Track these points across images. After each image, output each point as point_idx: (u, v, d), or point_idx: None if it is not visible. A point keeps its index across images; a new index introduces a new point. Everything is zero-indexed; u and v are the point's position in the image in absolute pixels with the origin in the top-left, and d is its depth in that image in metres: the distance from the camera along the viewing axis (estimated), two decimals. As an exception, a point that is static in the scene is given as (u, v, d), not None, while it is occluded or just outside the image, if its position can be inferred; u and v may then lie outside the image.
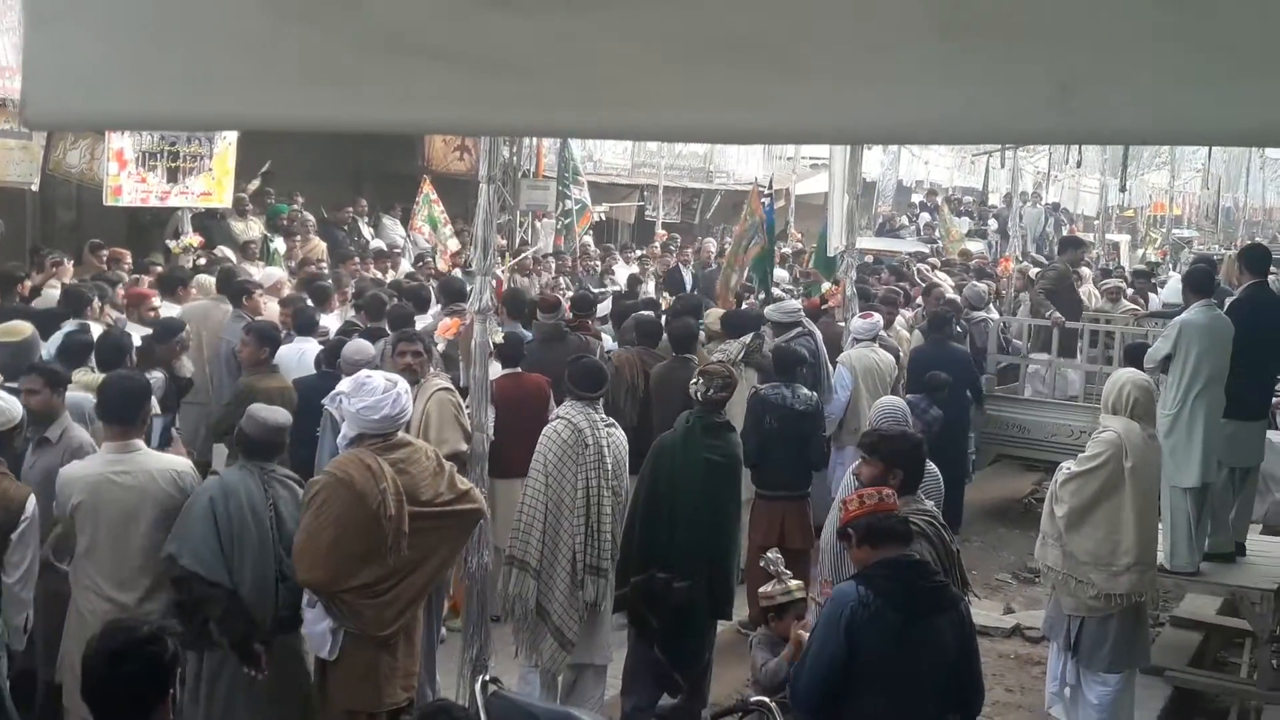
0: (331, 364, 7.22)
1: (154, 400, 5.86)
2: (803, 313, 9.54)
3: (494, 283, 6.33)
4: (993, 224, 24.82)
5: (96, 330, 7.32)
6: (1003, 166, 23.21)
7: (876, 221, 24.84)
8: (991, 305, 13.35)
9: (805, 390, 8.01)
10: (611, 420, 6.41)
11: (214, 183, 11.93)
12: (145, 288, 9.14)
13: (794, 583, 5.31)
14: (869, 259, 16.23)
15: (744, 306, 10.93)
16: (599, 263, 16.44)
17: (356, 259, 12.49)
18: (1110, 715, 6.16)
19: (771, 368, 8.43)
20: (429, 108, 1.49)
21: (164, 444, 6.64)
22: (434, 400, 6.61)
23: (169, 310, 8.58)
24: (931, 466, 6.52)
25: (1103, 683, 6.15)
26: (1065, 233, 26.38)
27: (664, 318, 9.76)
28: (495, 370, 7.00)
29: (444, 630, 6.86)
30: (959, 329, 11.20)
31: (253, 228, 13.17)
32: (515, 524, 6.12)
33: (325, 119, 1.52)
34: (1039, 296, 12.84)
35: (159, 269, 10.46)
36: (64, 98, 1.55)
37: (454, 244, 14.83)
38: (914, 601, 4.14)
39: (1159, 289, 16.66)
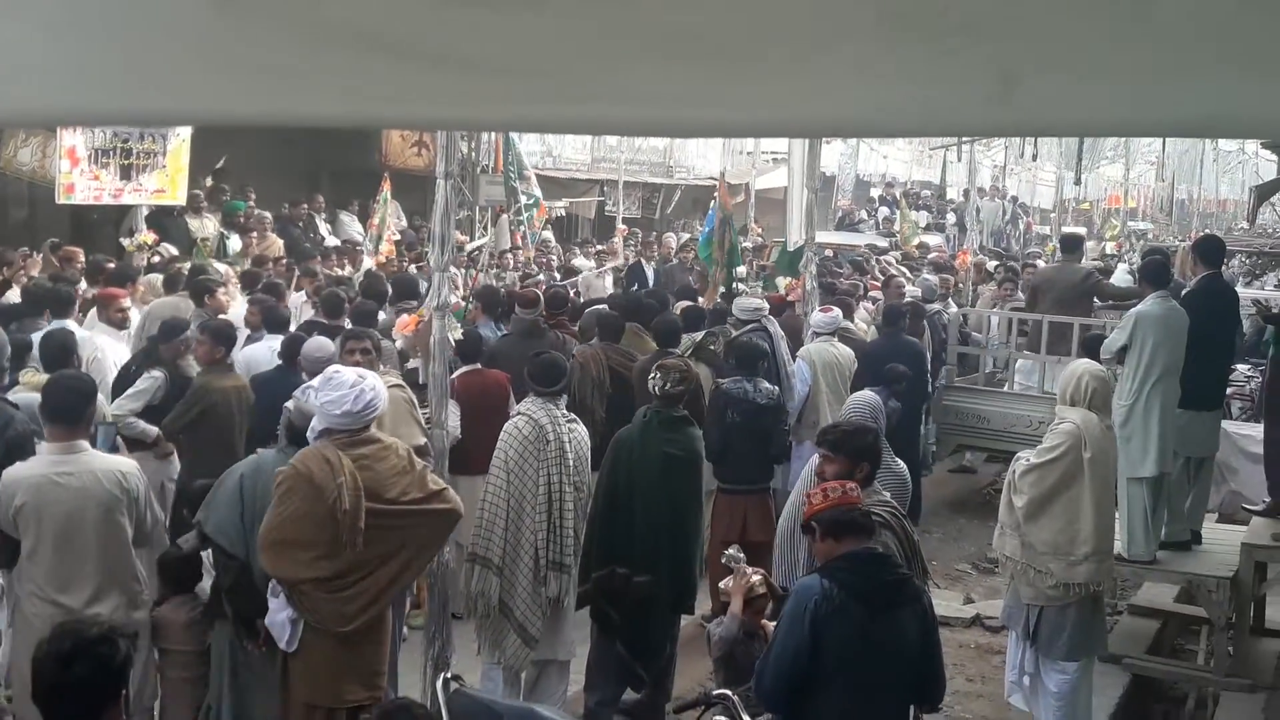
0: (289, 360, 7.17)
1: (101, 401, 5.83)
2: (766, 309, 9.53)
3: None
4: (951, 218, 24.99)
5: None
6: (959, 160, 23.38)
7: (836, 215, 24.98)
8: (950, 299, 13.41)
9: (767, 384, 8.02)
10: (573, 416, 6.39)
11: (168, 180, 11.80)
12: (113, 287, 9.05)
13: (755, 577, 5.32)
14: (828, 253, 16.30)
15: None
16: (557, 258, 16.39)
17: (318, 257, 12.41)
18: (1069, 703, 6.21)
19: (723, 364, 8.43)
20: (381, 103, 1.47)
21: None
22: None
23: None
24: (901, 465, 6.57)
25: (1061, 671, 6.19)
26: (1023, 227, 26.63)
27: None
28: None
29: (405, 629, 6.82)
30: (921, 325, 11.22)
31: (208, 224, 13.03)
32: (477, 521, 6.09)
33: (273, 114, 1.50)
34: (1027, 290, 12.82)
35: (111, 266, 10.34)
36: (3, 92, 1.52)
37: (385, 248, 14.68)
38: (877, 595, 4.16)
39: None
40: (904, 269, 15.90)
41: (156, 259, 11.20)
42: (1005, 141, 24.15)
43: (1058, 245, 14.15)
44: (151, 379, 7.13)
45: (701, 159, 22.67)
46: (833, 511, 4.30)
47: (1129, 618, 8.43)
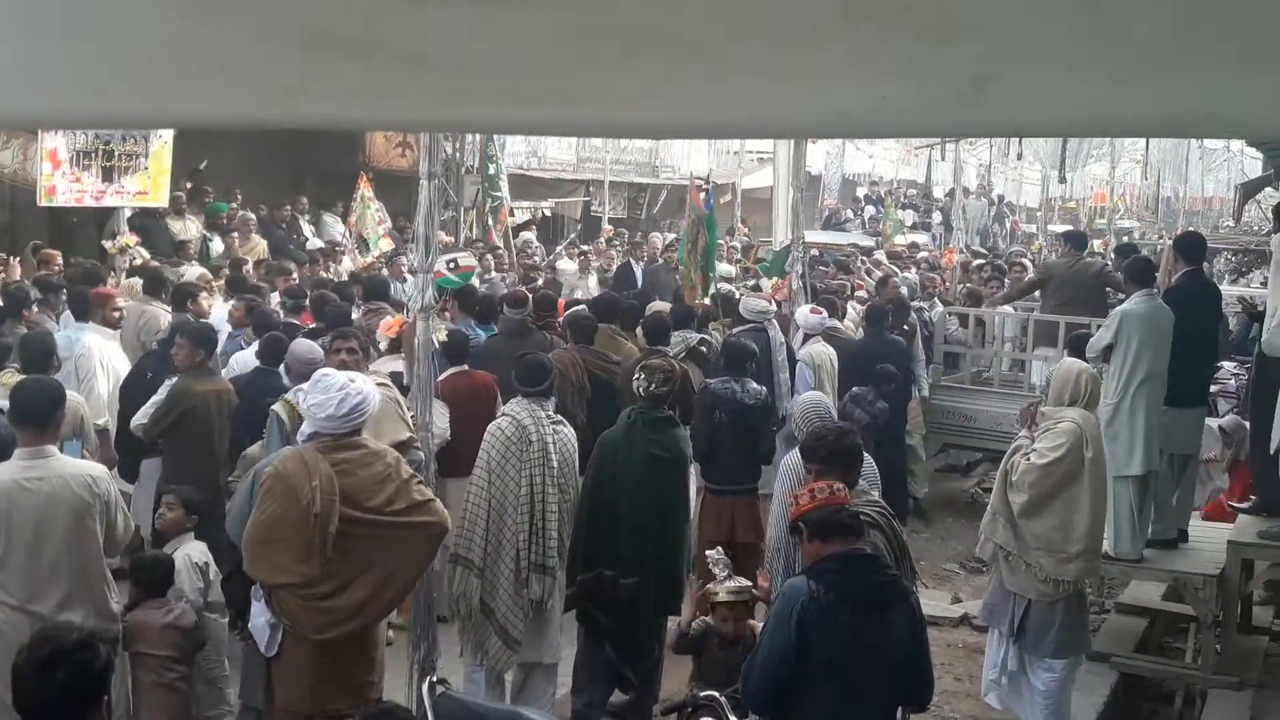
0: (269, 361, 7.14)
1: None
2: (772, 313, 9.49)
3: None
4: (937, 217, 25.05)
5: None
6: (944, 159, 23.42)
7: (822, 215, 25.01)
8: (936, 298, 13.40)
9: (755, 384, 8.01)
10: (559, 418, 6.36)
11: (150, 181, 11.75)
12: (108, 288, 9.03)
13: (734, 582, 5.26)
14: (814, 252, 16.30)
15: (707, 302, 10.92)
16: (539, 258, 16.36)
17: (307, 262, 12.37)
18: (1056, 701, 6.20)
19: (709, 366, 8.42)
20: (351, 103, 1.45)
21: None
22: None
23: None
24: (866, 455, 6.55)
25: (1049, 669, 6.18)
26: (1009, 225, 26.70)
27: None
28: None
29: (390, 632, 6.77)
30: (911, 323, 11.20)
31: (190, 227, 12.98)
32: (460, 522, 6.06)
33: (242, 115, 1.48)
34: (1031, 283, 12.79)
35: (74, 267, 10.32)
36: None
37: (385, 244, 14.66)
38: (865, 596, 4.13)
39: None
40: (893, 268, 15.91)
41: (138, 261, 11.14)
42: (990, 140, 24.20)
43: (1062, 241, 14.09)
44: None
45: (687, 159, 22.63)
46: (820, 512, 4.27)
47: (1117, 616, 8.43)
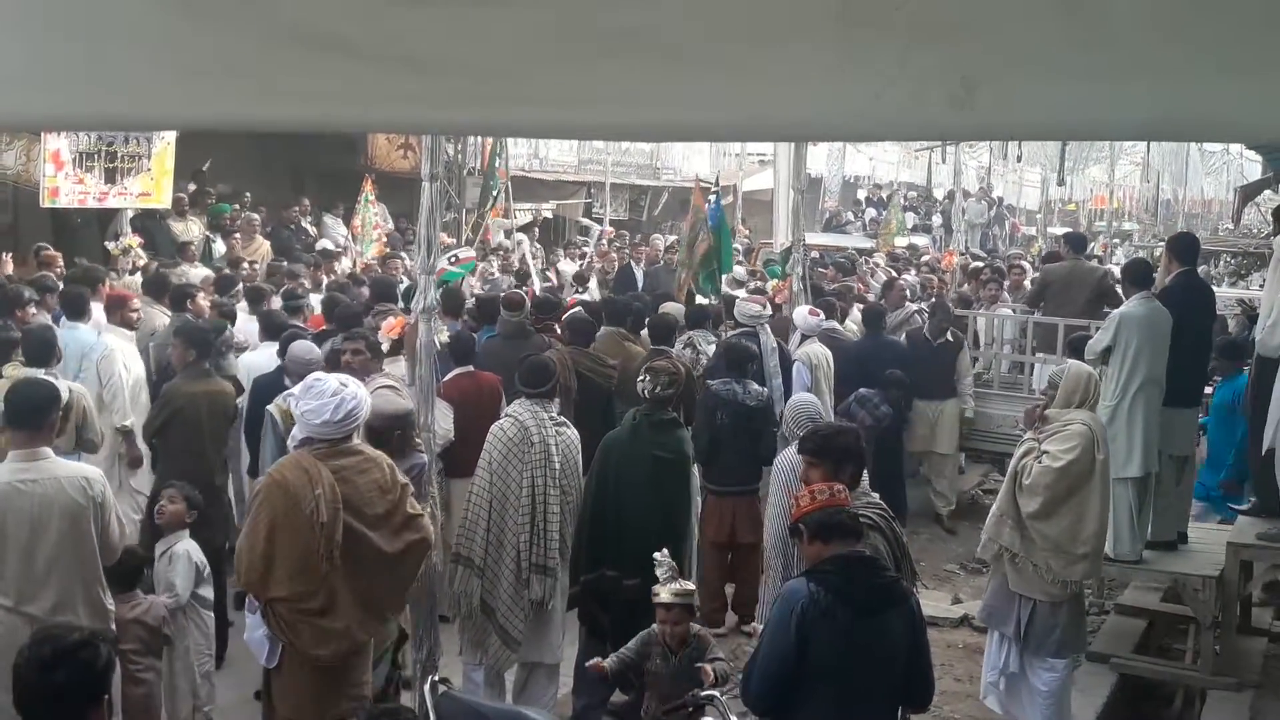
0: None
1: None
2: (765, 318, 9.49)
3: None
4: (938, 219, 25.04)
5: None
6: (943, 162, 23.42)
7: (823, 217, 25.00)
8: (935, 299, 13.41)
9: (756, 386, 8.03)
10: (563, 419, 6.37)
11: (153, 183, 11.77)
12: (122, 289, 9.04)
13: (677, 584, 5.19)
14: (815, 254, 16.30)
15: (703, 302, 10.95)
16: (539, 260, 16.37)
17: (313, 265, 12.36)
18: (1058, 700, 6.22)
19: (699, 367, 8.44)
20: (347, 106, 1.46)
21: None
22: (376, 397, 6.55)
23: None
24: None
25: (1050, 669, 6.19)
26: (1008, 228, 26.66)
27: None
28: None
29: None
30: (958, 336, 11.14)
31: (193, 228, 12.99)
32: (461, 522, 6.09)
33: (239, 118, 1.49)
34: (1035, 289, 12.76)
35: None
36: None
37: (375, 250, 14.66)
38: (865, 598, 4.12)
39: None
40: (892, 270, 15.92)
41: (142, 262, 11.16)
42: (989, 143, 24.22)
43: (1062, 242, 14.04)
44: None
45: (688, 161, 22.66)
46: (821, 514, 4.26)
47: (1116, 617, 8.43)
